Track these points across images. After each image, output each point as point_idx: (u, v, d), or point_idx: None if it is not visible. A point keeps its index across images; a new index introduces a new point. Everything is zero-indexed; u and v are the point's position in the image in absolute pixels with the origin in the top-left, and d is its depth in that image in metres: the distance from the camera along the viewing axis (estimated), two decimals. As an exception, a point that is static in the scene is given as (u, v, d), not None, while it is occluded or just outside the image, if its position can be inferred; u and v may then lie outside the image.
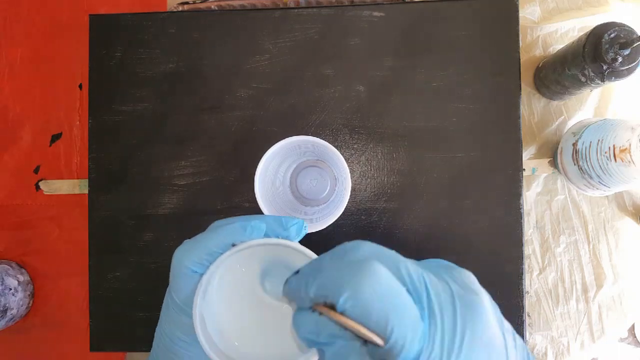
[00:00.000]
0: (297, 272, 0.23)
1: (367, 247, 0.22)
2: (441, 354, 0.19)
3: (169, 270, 0.51)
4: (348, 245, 0.22)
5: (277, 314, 0.31)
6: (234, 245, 0.28)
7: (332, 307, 0.20)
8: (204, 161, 0.51)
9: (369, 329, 0.19)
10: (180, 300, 0.29)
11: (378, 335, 0.19)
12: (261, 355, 0.29)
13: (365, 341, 0.21)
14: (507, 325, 0.23)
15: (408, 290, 0.21)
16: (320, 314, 0.21)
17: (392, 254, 0.22)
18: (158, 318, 0.32)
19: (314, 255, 0.28)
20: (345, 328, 0.21)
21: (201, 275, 0.28)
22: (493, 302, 0.23)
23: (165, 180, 0.51)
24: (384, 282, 0.20)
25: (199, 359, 0.29)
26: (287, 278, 0.23)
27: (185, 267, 0.28)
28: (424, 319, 0.20)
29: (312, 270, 0.22)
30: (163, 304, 0.31)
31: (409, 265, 0.21)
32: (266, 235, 0.30)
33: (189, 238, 0.30)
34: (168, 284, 0.31)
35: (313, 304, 0.21)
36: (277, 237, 0.30)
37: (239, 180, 0.51)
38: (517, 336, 0.23)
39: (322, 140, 0.39)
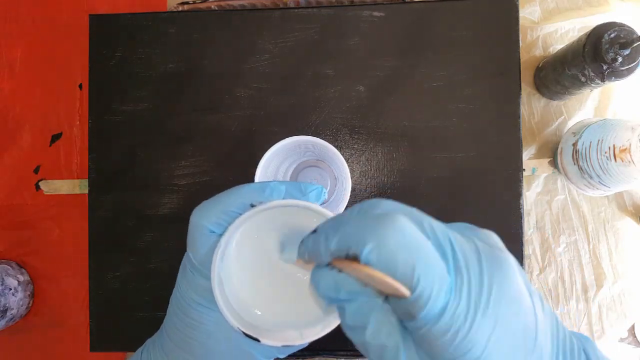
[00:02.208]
0: (315, 230, 0.22)
1: (388, 204, 0.21)
2: (467, 308, 0.19)
3: (168, 270, 0.51)
4: (367, 203, 0.22)
5: (295, 279, 0.30)
6: (252, 206, 0.27)
7: (355, 261, 0.19)
8: (204, 161, 0.51)
9: (393, 278, 0.19)
10: (197, 260, 0.28)
11: (402, 284, 0.19)
12: (278, 320, 0.29)
13: (387, 298, 0.20)
14: (535, 290, 0.22)
15: (433, 245, 0.20)
16: (340, 270, 0.21)
17: (414, 210, 0.21)
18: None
19: None
20: (365, 283, 0.20)
21: (219, 235, 0.27)
22: (519, 265, 0.22)
23: (165, 180, 0.51)
24: (408, 232, 0.19)
25: (215, 321, 0.29)
26: (303, 238, 0.22)
27: (203, 227, 0.27)
28: (450, 273, 0.19)
29: (331, 226, 0.21)
30: (180, 267, 0.30)
31: (432, 221, 0.21)
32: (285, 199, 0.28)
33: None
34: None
35: (332, 260, 0.21)
36: None
37: (239, 180, 0.50)
38: (545, 303, 0.22)
39: (322, 140, 0.39)
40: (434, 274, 0.19)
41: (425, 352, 0.20)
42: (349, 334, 0.21)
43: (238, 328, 0.27)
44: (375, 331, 0.20)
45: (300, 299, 0.29)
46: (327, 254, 0.21)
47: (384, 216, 0.20)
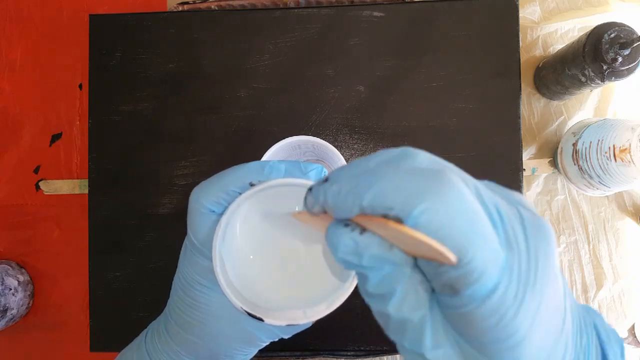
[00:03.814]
0: (326, 179, 0.19)
1: (425, 157, 0.18)
2: (517, 289, 0.17)
3: (169, 270, 0.51)
4: (396, 151, 0.19)
5: (298, 258, 0.29)
6: (252, 185, 0.27)
7: (392, 220, 0.16)
8: (204, 161, 0.51)
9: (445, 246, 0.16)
10: (197, 240, 0.28)
11: (453, 254, 0.16)
12: (281, 299, 0.28)
13: (416, 265, 0.18)
14: None
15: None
16: (363, 230, 0.18)
17: (454, 167, 0.18)
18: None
19: None
20: (392, 245, 0.18)
21: (218, 215, 0.27)
22: None
23: (165, 180, 0.51)
24: (466, 197, 0.17)
25: (218, 302, 0.28)
26: (312, 186, 0.20)
27: (202, 206, 0.27)
28: (502, 247, 0.17)
29: (355, 176, 0.18)
30: (182, 248, 0.30)
31: (476, 182, 0.18)
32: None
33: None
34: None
35: (355, 217, 0.18)
36: None
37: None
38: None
39: (322, 140, 0.39)
40: (490, 249, 0.16)
41: (457, 331, 0.18)
42: (368, 300, 0.19)
43: (241, 307, 0.27)
44: (400, 303, 0.18)
45: (303, 278, 0.29)
46: (354, 210, 0.17)
47: (435, 173, 0.17)
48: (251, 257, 0.29)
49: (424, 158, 0.18)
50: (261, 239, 0.29)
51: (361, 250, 0.18)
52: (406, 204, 0.16)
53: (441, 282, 0.17)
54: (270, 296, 0.28)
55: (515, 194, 0.20)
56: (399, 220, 0.16)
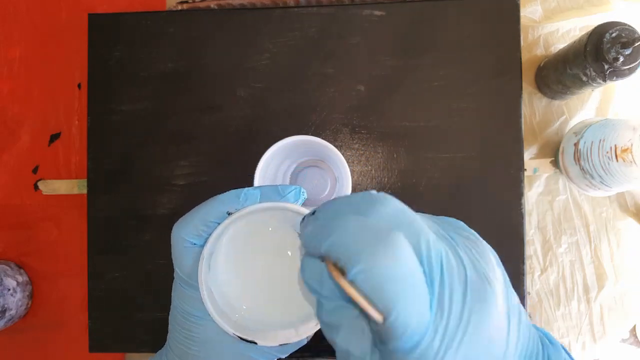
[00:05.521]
0: (313, 212, 0.22)
1: (392, 209, 0.20)
2: (439, 348, 0.18)
3: (168, 271, 0.51)
4: (373, 196, 0.21)
5: (285, 279, 0.30)
6: (229, 213, 0.28)
7: (340, 271, 0.19)
8: (204, 161, 0.51)
9: (372, 305, 0.18)
10: (184, 274, 0.29)
11: (379, 312, 0.18)
12: (273, 320, 0.29)
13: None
14: (515, 300, 0.22)
15: (423, 270, 0.19)
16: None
17: (416, 221, 0.20)
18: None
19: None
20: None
21: (201, 246, 0.28)
22: (506, 278, 0.22)
23: (165, 180, 0.51)
24: (403, 263, 0.18)
25: (212, 331, 0.29)
26: (304, 216, 0.22)
27: (184, 240, 0.28)
28: (432, 308, 0.19)
29: (327, 219, 0.20)
30: (173, 284, 0.31)
31: (430, 241, 0.20)
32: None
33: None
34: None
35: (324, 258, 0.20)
36: None
37: (239, 180, 0.50)
38: (523, 312, 0.22)
39: (322, 140, 0.39)
40: (415, 312, 0.18)
41: None
42: (322, 327, 0.21)
43: (234, 334, 0.27)
44: (346, 336, 0.20)
45: (291, 297, 0.30)
46: (317, 252, 0.20)
47: (382, 234, 0.19)
48: (239, 282, 0.30)
49: (390, 210, 0.20)
50: (247, 263, 0.30)
51: (323, 281, 0.20)
52: (348, 261, 0.18)
53: (374, 330, 0.20)
54: (261, 318, 0.29)
55: (482, 249, 0.22)
56: (343, 272, 0.19)
